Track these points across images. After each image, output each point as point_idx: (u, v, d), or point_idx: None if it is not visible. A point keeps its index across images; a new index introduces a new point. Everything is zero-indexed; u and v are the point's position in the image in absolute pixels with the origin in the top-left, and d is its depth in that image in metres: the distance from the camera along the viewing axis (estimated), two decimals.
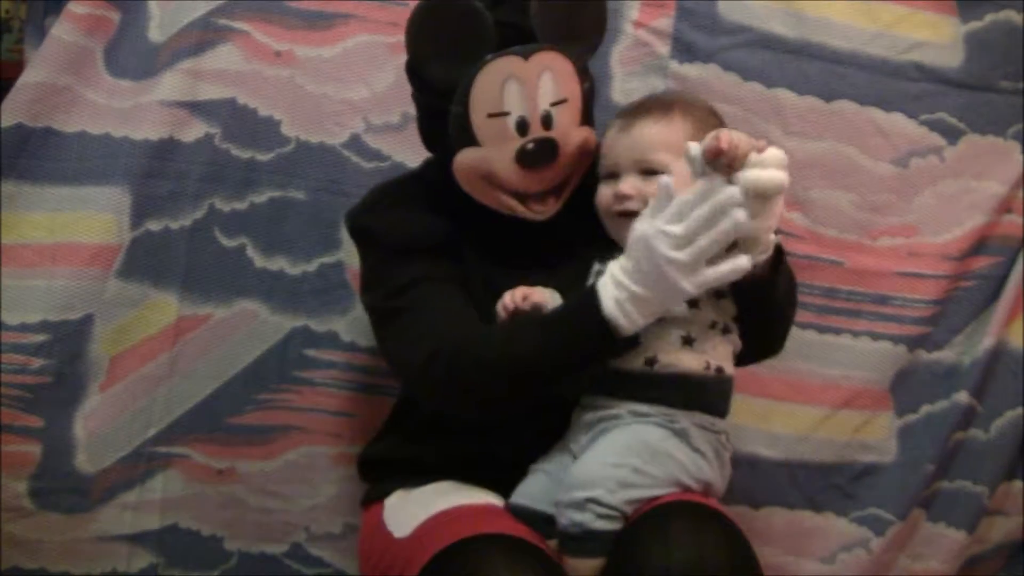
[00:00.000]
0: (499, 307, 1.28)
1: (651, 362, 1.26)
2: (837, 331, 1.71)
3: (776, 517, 1.73)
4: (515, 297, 1.27)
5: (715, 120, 1.32)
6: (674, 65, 1.67)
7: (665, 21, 1.67)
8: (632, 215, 1.22)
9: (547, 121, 1.29)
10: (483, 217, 1.34)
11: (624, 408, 1.27)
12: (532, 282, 1.31)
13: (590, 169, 1.35)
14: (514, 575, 1.14)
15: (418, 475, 1.40)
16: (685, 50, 1.67)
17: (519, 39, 1.27)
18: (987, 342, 1.72)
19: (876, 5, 1.71)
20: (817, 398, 1.71)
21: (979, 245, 1.74)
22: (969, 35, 1.71)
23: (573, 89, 1.30)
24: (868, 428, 1.73)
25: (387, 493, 1.42)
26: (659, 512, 1.19)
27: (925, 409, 1.74)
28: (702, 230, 1.12)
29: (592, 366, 1.25)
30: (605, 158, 1.31)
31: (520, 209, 1.32)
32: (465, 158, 1.30)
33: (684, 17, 1.67)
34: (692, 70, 1.67)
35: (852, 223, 1.71)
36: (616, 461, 1.22)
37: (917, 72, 1.71)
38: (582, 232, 1.35)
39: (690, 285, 1.14)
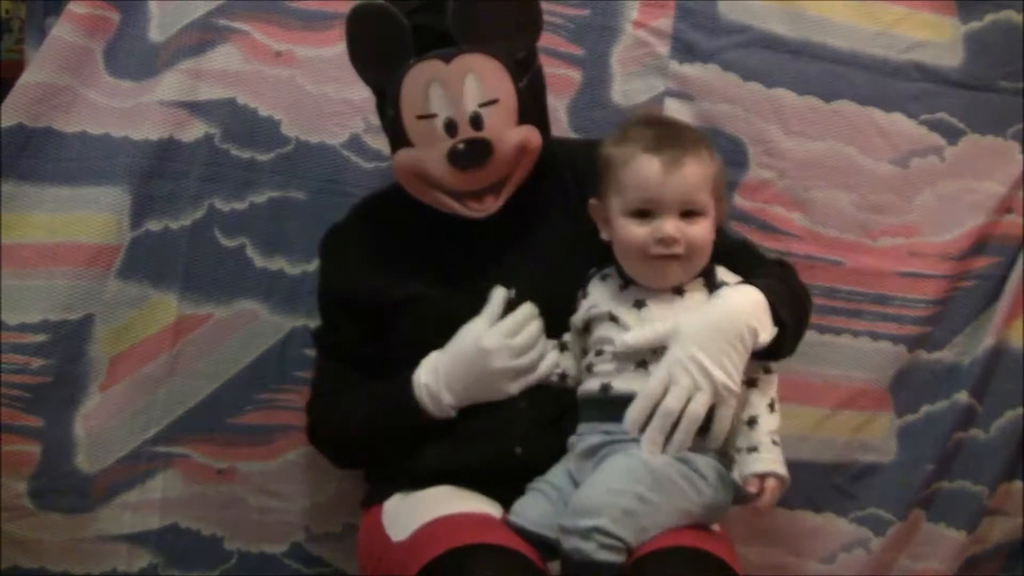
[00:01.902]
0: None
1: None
2: (837, 331, 1.71)
3: (776, 517, 1.72)
4: None
5: (714, 151, 1.35)
6: (674, 65, 1.67)
7: (665, 21, 1.67)
8: (673, 258, 1.27)
9: (476, 122, 1.30)
10: (433, 217, 1.38)
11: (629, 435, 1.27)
12: (488, 280, 1.38)
13: (537, 165, 1.36)
14: None
15: (418, 478, 1.40)
16: (685, 50, 1.67)
17: (440, 43, 1.29)
18: (987, 342, 1.72)
19: (876, 5, 1.70)
20: (817, 398, 1.71)
21: (979, 245, 1.73)
22: (969, 35, 1.71)
23: (504, 89, 1.31)
24: (868, 428, 1.73)
25: (387, 496, 1.42)
26: (659, 558, 1.19)
27: (925, 409, 1.74)
28: (534, 343, 1.35)
29: (415, 439, 1.39)
30: (640, 191, 1.28)
31: (457, 207, 1.35)
32: (401, 158, 1.34)
33: (684, 17, 1.67)
34: (692, 70, 1.67)
35: (852, 223, 1.71)
36: (620, 488, 1.22)
37: (917, 72, 1.70)
38: (537, 226, 1.40)
39: (515, 389, 1.35)
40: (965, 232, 1.72)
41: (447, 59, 1.29)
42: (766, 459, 1.27)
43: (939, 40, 1.71)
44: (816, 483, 1.72)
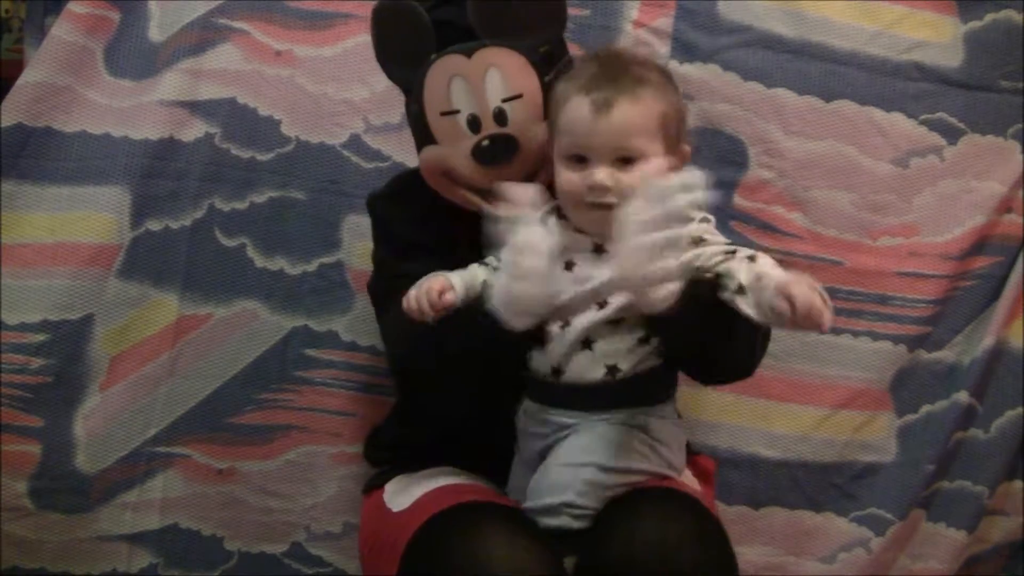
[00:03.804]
0: (404, 306, 1.20)
1: (613, 371, 1.23)
2: (837, 331, 1.71)
3: (776, 517, 1.72)
4: (422, 302, 1.18)
5: (673, 87, 1.25)
6: (674, 65, 1.66)
7: (665, 21, 1.67)
8: (607, 207, 1.17)
9: (500, 118, 1.28)
10: (472, 214, 1.35)
11: (581, 418, 1.25)
12: None
13: None
14: (505, 538, 1.14)
15: (418, 460, 1.41)
16: (685, 50, 1.67)
17: (463, 38, 1.28)
18: (987, 342, 1.72)
19: (876, 5, 1.70)
20: (817, 398, 1.71)
21: (979, 245, 1.74)
22: (969, 35, 1.71)
23: (528, 84, 1.29)
24: (868, 428, 1.73)
25: (388, 479, 1.43)
26: (627, 500, 1.19)
27: (925, 409, 1.74)
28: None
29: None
30: (571, 136, 1.20)
31: (484, 206, 1.31)
32: (427, 156, 1.32)
33: (684, 17, 1.67)
34: (692, 70, 1.67)
35: (852, 223, 1.71)
36: (581, 461, 1.21)
37: (917, 72, 1.70)
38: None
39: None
40: (965, 232, 1.72)
41: (468, 54, 1.28)
42: (776, 274, 1.10)
43: (939, 40, 1.71)
44: (816, 483, 1.72)
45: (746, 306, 1.11)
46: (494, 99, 1.28)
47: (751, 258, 1.14)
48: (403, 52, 1.31)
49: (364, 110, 1.65)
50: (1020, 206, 1.74)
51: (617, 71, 1.21)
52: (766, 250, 1.65)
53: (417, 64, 1.30)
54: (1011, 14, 1.70)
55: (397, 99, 1.59)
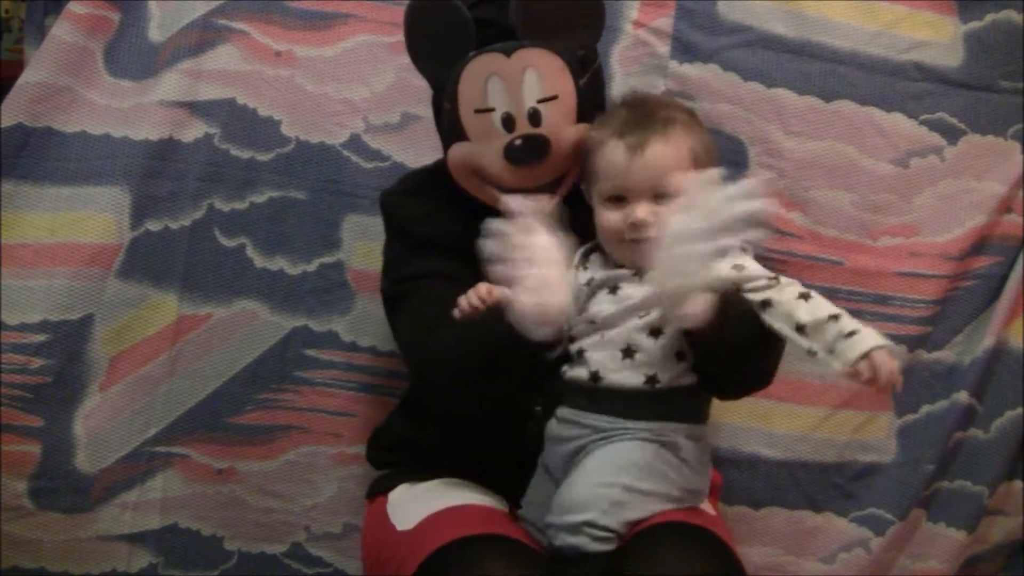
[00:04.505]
0: (456, 312, 1.23)
1: (653, 381, 1.25)
2: None
3: (776, 517, 1.72)
4: (472, 299, 1.23)
5: (699, 125, 1.31)
6: (674, 65, 1.67)
7: (665, 21, 1.67)
8: (647, 242, 1.21)
9: (535, 118, 1.29)
10: (495, 213, 1.34)
11: (617, 424, 1.26)
12: None
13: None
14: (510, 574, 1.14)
15: (423, 467, 1.41)
16: (685, 50, 1.67)
17: (501, 37, 1.28)
18: (987, 342, 1.72)
19: (876, 5, 1.70)
20: (817, 398, 1.71)
21: (979, 245, 1.73)
22: (969, 35, 1.71)
23: (564, 86, 1.30)
24: (868, 428, 1.73)
25: (392, 487, 1.43)
26: (648, 536, 1.19)
27: (925, 409, 1.74)
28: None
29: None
30: (609, 179, 1.26)
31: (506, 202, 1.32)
32: (456, 153, 1.32)
33: (684, 17, 1.67)
34: (692, 70, 1.67)
35: (852, 223, 1.71)
36: (607, 480, 1.22)
37: (917, 72, 1.70)
38: (588, 225, 1.34)
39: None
40: (965, 232, 1.72)
41: (508, 53, 1.28)
42: (862, 338, 1.12)
43: (939, 40, 1.71)
44: (816, 483, 1.72)
45: (807, 344, 1.15)
46: (530, 99, 1.29)
47: (805, 296, 1.18)
48: (439, 48, 1.31)
49: (364, 110, 1.65)
50: (1020, 206, 1.74)
51: (646, 114, 1.28)
52: (766, 250, 1.68)
53: (452, 61, 1.30)
54: (1011, 14, 1.70)
55: (397, 99, 1.60)
